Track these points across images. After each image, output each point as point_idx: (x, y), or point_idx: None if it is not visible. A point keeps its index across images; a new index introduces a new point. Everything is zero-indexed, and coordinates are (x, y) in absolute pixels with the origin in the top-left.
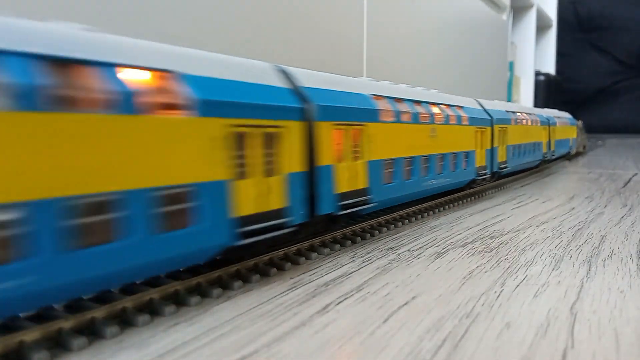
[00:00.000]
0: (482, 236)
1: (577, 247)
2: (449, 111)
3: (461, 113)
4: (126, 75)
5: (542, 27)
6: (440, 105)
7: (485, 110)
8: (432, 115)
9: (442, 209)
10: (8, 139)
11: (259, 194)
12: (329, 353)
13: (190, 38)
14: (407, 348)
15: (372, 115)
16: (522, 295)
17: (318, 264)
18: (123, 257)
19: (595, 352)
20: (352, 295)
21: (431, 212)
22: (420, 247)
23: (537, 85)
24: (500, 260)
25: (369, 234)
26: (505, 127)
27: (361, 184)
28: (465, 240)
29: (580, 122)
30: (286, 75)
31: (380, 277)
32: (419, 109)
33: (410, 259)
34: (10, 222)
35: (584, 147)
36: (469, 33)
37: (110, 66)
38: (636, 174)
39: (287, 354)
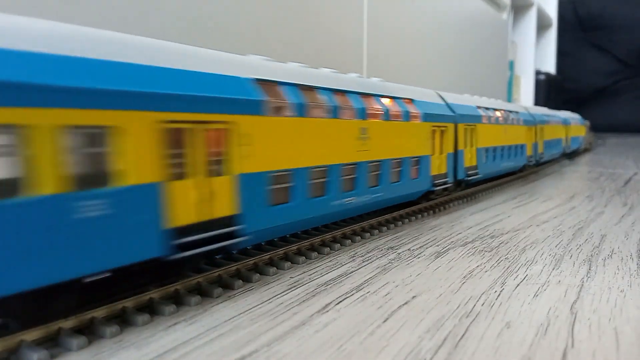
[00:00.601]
0: (482, 235)
1: (578, 246)
2: (512, 115)
3: (519, 117)
4: (402, 102)
5: (542, 26)
6: (507, 111)
7: (530, 114)
8: (505, 119)
9: (442, 208)
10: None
11: (438, 163)
12: (329, 353)
13: (192, 37)
14: (407, 348)
15: (478, 119)
16: (522, 295)
17: (318, 264)
18: (405, 188)
19: (595, 351)
20: (352, 295)
21: (431, 212)
22: (420, 247)
23: (538, 84)
24: (500, 259)
25: (368, 233)
26: (543, 127)
27: (474, 162)
28: (466, 239)
29: (587, 122)
30: (440, 96)
31: (380, 277)
32: (498, 114)
33: (410, 258)
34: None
35: (590, 144)
36: (469, 32)
37: (399, 98)
38: (636, 173)
39: (287, 354)
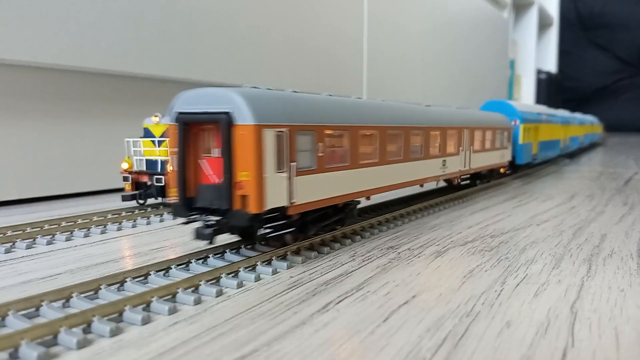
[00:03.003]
0: (482, 235)
1: (578, 245)
2: (578, 120)
3: (578, 120)
4: (559, 116)
5: (543, 25)
6: (575, 117)
7: (579, 118)
8: (579, 123)
9: (442, 207)
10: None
11: (565, 140)
12: (329, 352)
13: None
14: (407, 347)
15: (565, 122)
16: (522, 294)
17: (318, 263)
18: (568, 149)
19: (595, 350)
20: (352, 294)
21: (431, 211)
22: (420, 246)
23: (538, 83)
24: (500, 259)
25: (368, 233)
26: (585, 125)
27: (568, 142)
28: (466, 239)
29: (602, 123)
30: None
31: (381, 276)
32: (573, 120)
33: (410, 257)
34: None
35: (603, 139)
36: (471, 31)
37: (558, 115)
38: (637, 173)
39: (287, 353)
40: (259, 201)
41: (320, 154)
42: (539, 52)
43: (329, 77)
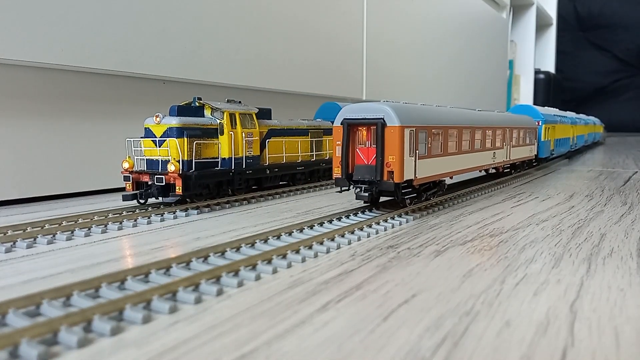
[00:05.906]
0: (481, 234)
1: (577, 245)
2: (583, 120)
3: (583, 121)
4: (570, 118)
5: (542, 25)
6: (581, 118)
7: (584, 119)
8: (585, 124)
9: (441, 207)
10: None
11: (574, 138)
12: (329, 351)
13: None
14: (407, 346)
15: (573, 122)
16: (521, 294)
17: (318, 262)
18: (579, 144)
19: (595, 350)
20: (352, 294)
21: (430, 211)
22: (420, 246)
23: (537, 83)
24: (500, 258)
25: (368, 232)
26: (589, 125)
27: (575, 140)
28: (465, 238)
29: (603, 124)
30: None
31: (380, 275)
32: (579, 120)
33: (409, 257)
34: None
35: (604, 139)
36: (470, 31)
37: (569, 117)
38: (636, 172)
39: (286, 352)
40: (400, 174)
41: (429, 146)
42: (537, 53)
43: (328, 79)
